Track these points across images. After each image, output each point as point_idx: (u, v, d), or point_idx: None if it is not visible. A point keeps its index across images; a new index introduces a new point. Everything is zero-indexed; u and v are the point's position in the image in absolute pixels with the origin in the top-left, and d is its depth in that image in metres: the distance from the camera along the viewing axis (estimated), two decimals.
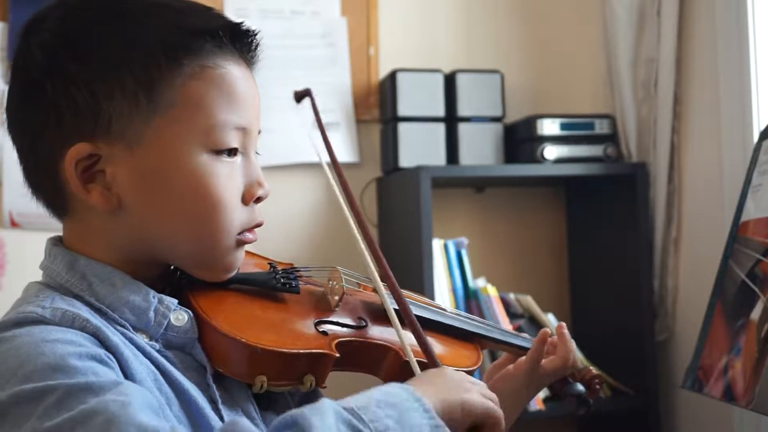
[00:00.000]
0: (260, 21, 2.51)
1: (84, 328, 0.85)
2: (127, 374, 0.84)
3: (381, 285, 1.01)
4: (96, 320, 0.87)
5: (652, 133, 2.45)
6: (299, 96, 1.11)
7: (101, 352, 0.83)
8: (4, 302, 2.38)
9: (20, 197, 2.39)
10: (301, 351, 0.94)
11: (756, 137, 2.04)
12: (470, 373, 1.10)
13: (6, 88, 0.95)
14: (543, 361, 1.20)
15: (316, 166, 2.58)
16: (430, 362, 0.94)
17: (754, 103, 2.13)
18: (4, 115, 0.96)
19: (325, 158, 1.06)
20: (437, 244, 2.33)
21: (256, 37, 0.98)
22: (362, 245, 1.02)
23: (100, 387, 0.77)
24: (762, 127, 1.88)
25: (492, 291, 2.35)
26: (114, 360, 0.84)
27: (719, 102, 2.25)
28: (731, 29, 2.20)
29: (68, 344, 0.81)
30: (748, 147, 2.11)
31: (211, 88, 0.92)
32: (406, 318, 0.97)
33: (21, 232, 2.39)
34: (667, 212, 2.43)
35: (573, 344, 1.22)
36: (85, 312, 0.87)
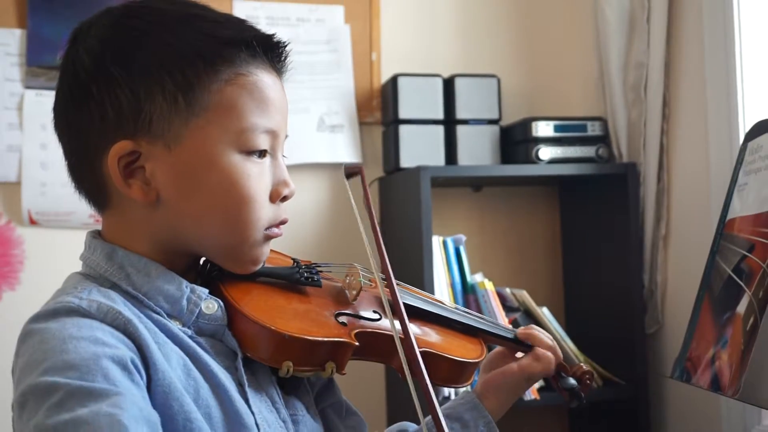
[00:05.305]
0: (267, 28, 2.51)
1: (115, 319, 0.88)
2: (151, 366, 0.87)
3: (382, 282, 1.05)
4: (128, 312, 0.89)
5: (642, 135, 2.45)
6: (349, 173, 1.12)
7: (126, 356, 0.85)
8: (24, 297, 2.44)
9: (38, 196, 2.41)
10: (325, 339, 0.98)
11: (741, 138, 2.04)
12: (475, 365, 1.15)
13: (24, 91, 1.00)
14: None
15: (319, 166, 2.59)
16: (407, 347, 0.95)
17: (740, 105, 2.15)
18: (51, 115, 1.00)
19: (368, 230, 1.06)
20: (436, 241, 2.33)
21: (286, 48, 1.02)
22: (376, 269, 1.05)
23: (99, 393, 0.79)
24: (747, 129, 1.92)
25: (489, 286, 2.36)
26: (138, 361, 0.86)
27: (706, 105, 2.25)
28: (718, 35, 2.21)
29: (93, 344, 0.84)
30: (734, 147, 2.12)
31: (244, 94, 0.96)
32: (396, 311, 0.99)
33: (39, 229, 2.37)
34: (657, 210, 2.43)
35: (554, 344, 1.25)
36: (119, 304, 0.90)
